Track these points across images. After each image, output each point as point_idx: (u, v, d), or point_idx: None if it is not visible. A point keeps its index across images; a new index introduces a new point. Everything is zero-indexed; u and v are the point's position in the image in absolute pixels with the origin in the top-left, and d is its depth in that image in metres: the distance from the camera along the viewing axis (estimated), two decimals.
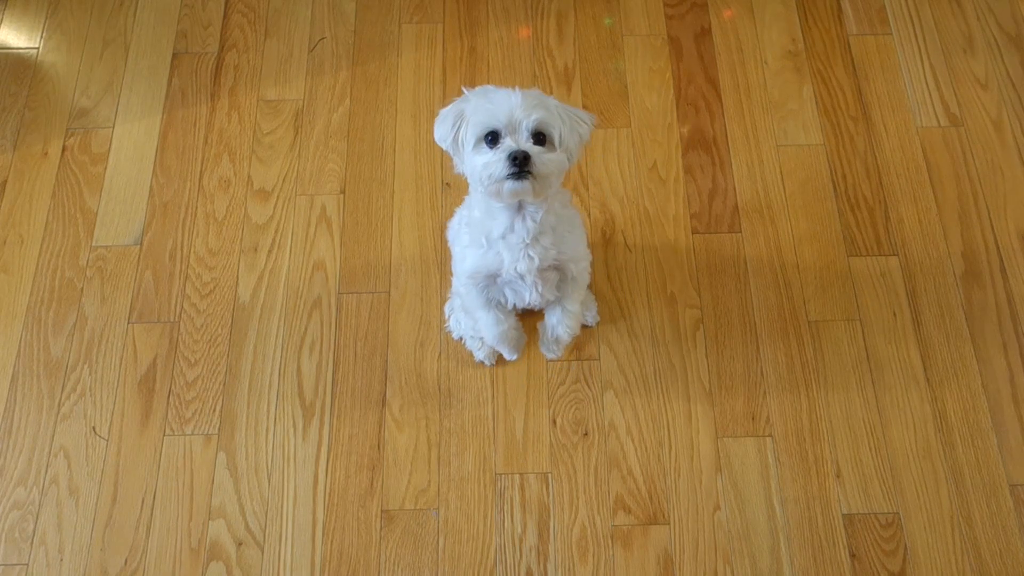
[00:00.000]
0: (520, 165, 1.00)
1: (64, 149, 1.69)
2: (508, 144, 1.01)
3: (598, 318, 1.51)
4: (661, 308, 1.53)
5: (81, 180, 1.66)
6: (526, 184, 1.01)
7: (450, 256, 1.51)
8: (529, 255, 1.13)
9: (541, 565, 1.33)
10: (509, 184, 1.01)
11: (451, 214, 1.39)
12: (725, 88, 1.76)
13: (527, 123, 1.02)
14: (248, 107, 1.74)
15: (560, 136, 1.05)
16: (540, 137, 1.03)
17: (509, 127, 1.02)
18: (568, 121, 1.06)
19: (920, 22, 1.84)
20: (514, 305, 1.27)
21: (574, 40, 1.81)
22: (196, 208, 1.63)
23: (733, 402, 1.45)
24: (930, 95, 1.75)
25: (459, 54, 1.80)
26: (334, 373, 1.48)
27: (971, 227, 1.61)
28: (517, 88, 1.03)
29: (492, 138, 1.03)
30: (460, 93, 1.09)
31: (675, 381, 1.47)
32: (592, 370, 1.48)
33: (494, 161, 1.01)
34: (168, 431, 1.43)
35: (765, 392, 1.46)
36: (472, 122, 1.03)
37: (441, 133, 1.08)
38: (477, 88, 1.07)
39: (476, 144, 1.04)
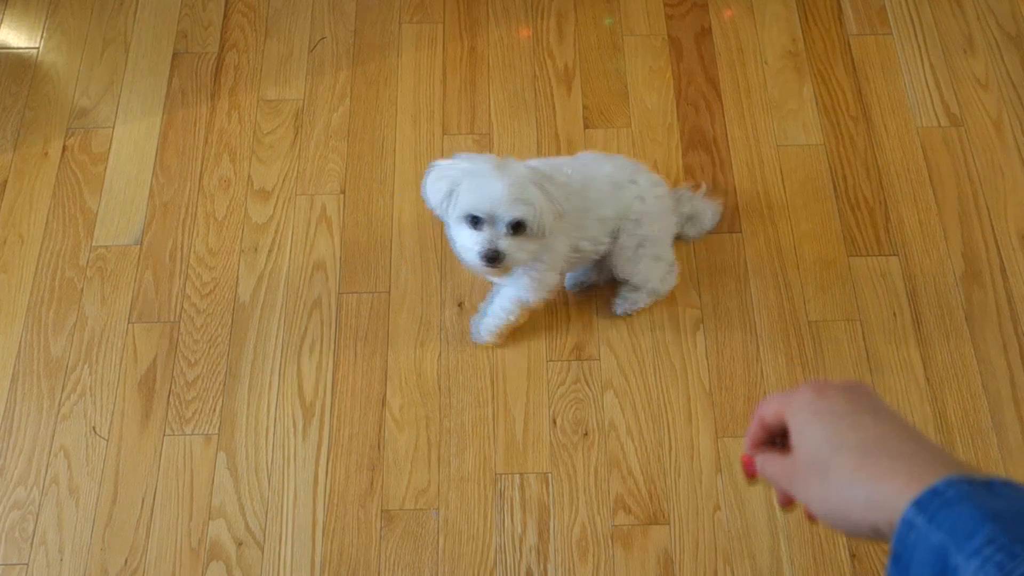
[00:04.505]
0: (491, 261, 1.12)
1: (64, 149, 1.69)
2: (485, 238, 1.12)
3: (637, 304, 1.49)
4: (661, 308, 1.53)
5: (81, 180, 1.66)
6: (497, 269, 1.15)
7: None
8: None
9: (541, 565, 1.33)
10: (482, 268, 1.15)
11: None
12: (725, 88, 1.76)
13: (507, 218, 1.10)
14: (248, 107, 1.74)
15: (538, 223, 1.13)
16: (520, 224, 1.12)
17: (489, 218, 1.11)
18: (549, 206, 1.14)
19: (920, 22, 1.84)
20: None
21: (574, 40, 1.81)
22: (196, 208, 1.63)
23: (733, 402, 1.45)
24: (930, 95, 1.75)
25: (459, 54, 1.79)
26: (334, 373, 1.48)
27: (971, 227, 1.61)
28: (506, 177, 1.09)
29: (474, 220, 1.13)
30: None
31: (675, 381, 1.47)
32: (592, 370, 1.48)
33: (470, 247, 1.13)
34: (168, 431, 1.43)
35: (765, 392, 1.46)
36: (459, 203, 1.13)
37: (434, 200, 1.17)
38: (473, 157, 1.15)
39: (459, 221, 1.15)
